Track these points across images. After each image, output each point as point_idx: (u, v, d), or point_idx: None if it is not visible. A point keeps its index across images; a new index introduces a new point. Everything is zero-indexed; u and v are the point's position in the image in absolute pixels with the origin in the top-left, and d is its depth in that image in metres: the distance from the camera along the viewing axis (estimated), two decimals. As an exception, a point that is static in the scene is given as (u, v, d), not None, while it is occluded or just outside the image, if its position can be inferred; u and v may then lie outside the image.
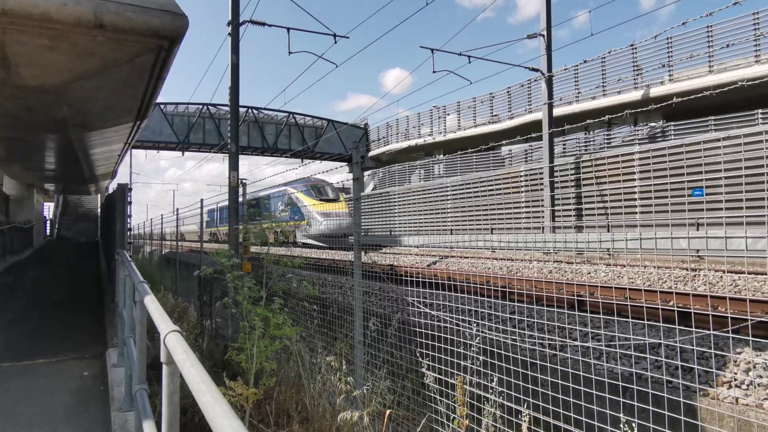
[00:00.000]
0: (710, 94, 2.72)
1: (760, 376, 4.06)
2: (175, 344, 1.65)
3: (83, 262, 18.01)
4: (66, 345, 6.70)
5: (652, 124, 20.29)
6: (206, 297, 10.09)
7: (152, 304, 2.50)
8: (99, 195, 30.35)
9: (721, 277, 9.67)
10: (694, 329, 2.71)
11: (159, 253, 21.19)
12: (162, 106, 30.74)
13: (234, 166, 13.64)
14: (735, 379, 4.09)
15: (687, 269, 10.71)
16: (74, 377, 5.42)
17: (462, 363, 3.84)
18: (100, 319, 8.44)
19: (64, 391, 4.98)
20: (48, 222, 37.28)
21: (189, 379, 1.34)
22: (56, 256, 20.92)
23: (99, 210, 32.08)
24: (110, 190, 21.17)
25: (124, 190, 8.25)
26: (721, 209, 14.27)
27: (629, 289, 6.62)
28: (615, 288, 6.99)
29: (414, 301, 4.63)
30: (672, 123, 18.49)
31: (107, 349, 6.42)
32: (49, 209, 40.48)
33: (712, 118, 16.65)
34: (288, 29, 16.03)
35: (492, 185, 22.88)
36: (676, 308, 2.52)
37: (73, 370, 5.69)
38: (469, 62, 19.86)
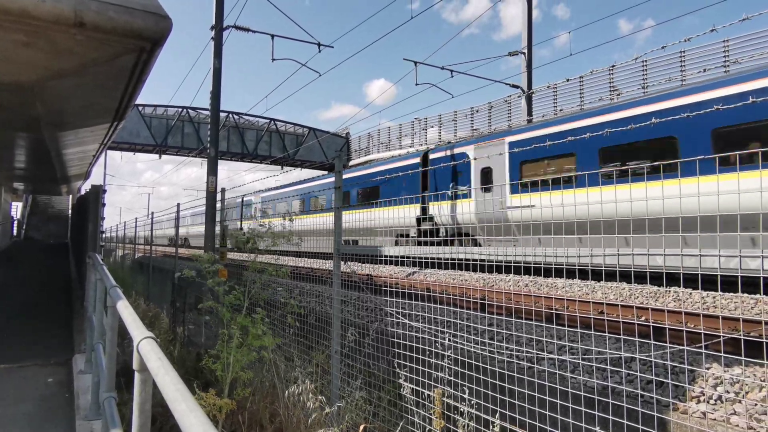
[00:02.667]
0: (687, 116, 2.79)
1: (728, 392, 4.14)
2: (149, 351, 1.60)
3: (52, 264, 17.53)
4: (30, 350, 6.48)
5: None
6: (179, 303, 9.91)
7: (125, 310, 2.43)
8: (70, 196, 29.64)
9: (690, 293, 9.88)
10: (668, 345, 2.76)
11: (132, 257, 20.77)
12: (140, 108, 30.27)
13: (213, 171, 13.48)
14: (703, 394, 4.17)
15: (660, 285, 10.90)
16: (38, 384, 5.24)
17: (438, 374, 3.83)
18: (68, 323, 8.21)
19: (27, 398, 4.80)
20: (15, 222, 36.22)
21: (163, 388, 1.30)
22: (23, 258, 20.32)
23: (70, 211, 31.33)
24: (83, 191, 20.69)
25: (98, 191, 8.07)
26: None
27: (606, 304, 6.70)
28: (591, 302, 7.08)
29: (392, 311, 4.61)
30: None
31: (74, 354, 6.24)
32: (17, 209, 39.35)
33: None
34: (272, 36, 16.01)
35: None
36: (651, 323, 2.55)
37: (37, 376, 5.51)
38: (452, 76, 20.08)
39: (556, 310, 6.11)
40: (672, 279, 9.64)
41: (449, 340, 3.93)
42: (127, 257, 21.87)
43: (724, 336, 2.25)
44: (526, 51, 19.84)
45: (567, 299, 6.28)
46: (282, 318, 5.70)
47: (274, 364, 5.02)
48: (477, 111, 28.44)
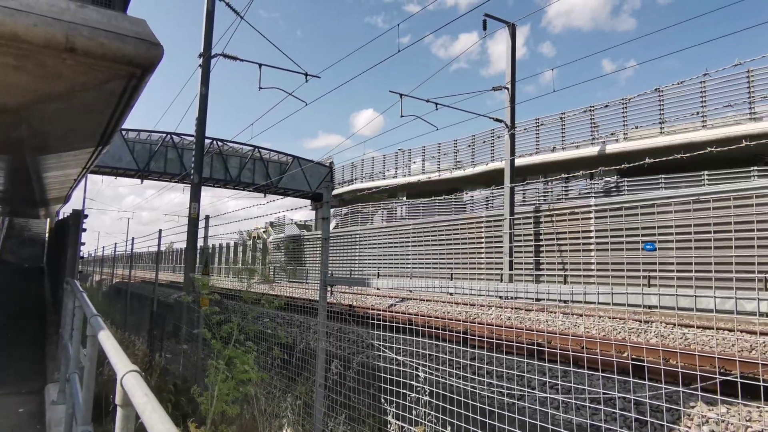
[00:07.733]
0: (682, 156, 2.88)
1: (713, 431, 4.15)
2: (134, 386, 1.55)
3: (26, 289, 17.03)
4: (0, 377, 6.24)
5: (607, 179, 21.09)
6: (157, 331, 9.67)
7: (107, 341, 2.36)
8: (48, 219, 29.06)
9: (672, 329, 10.00)
10: (663, 386, 2.77)
11: (109, 282, 20.32)
12: (123, 133, 30.08)
13: (196, 198, 13.38)
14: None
15: (640, 321, 11.05)
16: (9, 414, 5.02)
17: (422, 410, 3.76)
18: (41, 350, 7.94)
19: (-5, 429, 4.60)
20: (-10, 245, 35.28)
21: (151, 426, 1.25)
22: (-4, 282, 19.71)
23: (47, 235, 30.65)
24: (61, 215, 20.28)
25: (78, 216, 7.94)
26: (672, 266, 15.32)
27: (599, 341, 6.71)
28: (582, 338, 7.09)
29: (375, 344, 4.55)
30: (626, 179, 19.21)
31: (47, 384, 6.01)
32: (-8, 232, 38.37)
33: (663, 176, 17.52)
34: (260, 65, 16.17)
35: (453, 230, 23.26)
36: (646, 364, 2.56)
37: (7, 405, 5.29)
38: (437, 109, 20.41)
39: (539, 345, 6.08)
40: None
41: (426, 374, 3.86)
42: (104, 283, 21.39)
43: (719, 378, 2.26)
44: (509, 86, 20.32)
45: (549, 334, 6.28)
46: (265, 351, 5.60)
47: (255, 397, 4.89)
48: (459, 144, 28.82)
